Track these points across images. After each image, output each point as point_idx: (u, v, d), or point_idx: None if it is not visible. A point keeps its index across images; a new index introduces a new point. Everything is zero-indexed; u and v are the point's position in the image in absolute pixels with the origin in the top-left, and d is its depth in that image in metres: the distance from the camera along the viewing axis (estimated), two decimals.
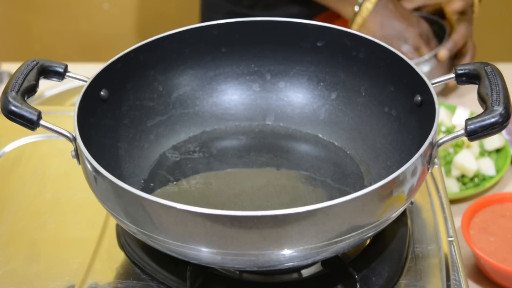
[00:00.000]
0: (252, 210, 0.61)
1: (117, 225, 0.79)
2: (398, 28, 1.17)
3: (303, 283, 0.73)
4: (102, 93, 0.78)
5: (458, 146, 1.06)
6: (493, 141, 1.08)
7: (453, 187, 1.03)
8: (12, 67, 1.30)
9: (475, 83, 0.72)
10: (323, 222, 0.61)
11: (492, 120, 0.66)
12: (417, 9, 1.27)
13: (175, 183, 0.81)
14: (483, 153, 1.08)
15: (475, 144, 1.07)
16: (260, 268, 0.68)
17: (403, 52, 1.16)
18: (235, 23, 0.86)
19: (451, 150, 1.07)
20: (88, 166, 0.67)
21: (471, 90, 1.25)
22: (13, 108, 0.68)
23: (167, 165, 0.83)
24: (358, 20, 1.17)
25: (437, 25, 1.25)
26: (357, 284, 0.69)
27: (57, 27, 2.05)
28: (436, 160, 0.69)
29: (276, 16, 0.87)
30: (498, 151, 1.09)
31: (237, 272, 0.73)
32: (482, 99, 0.69)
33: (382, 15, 1.17)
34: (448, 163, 1.05)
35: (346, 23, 1.25)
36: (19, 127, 0.70)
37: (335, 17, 1.30)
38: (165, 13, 2.03)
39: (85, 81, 0.76)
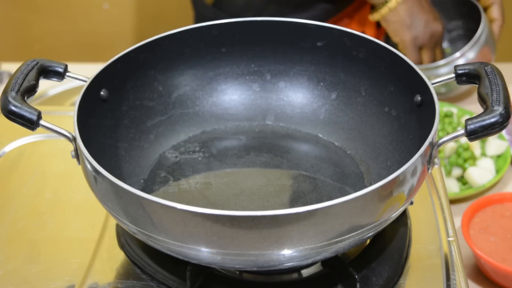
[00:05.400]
0: (252, 210, 0.61)
1: (117, 225, 0.79)
2: (424, 20, 1.18)
3: (303, 283, 0.73)
4: (102, 93, 0.78)
5: (472, 159, 1.05)
6: (498, 147, 1.08)
7: (453, 187, 1.03)
8: (12, 67, 1.30)
9: (475, 83, 0.72)
10: (323, 222, 0.61)
11: (492, 120, 0.66)
12: None
13: (175, 183, 0.81)
14: (484, 153, 1.08)
15: (489, 159, 1.07)
16: (260, 268, 0.68)
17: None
18: (235, 23, 0.86)
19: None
20: (88, 166, 0.67)
21: (470, 90, 1.25)
22: (13, 108, 0.68)
23: (167, 165, 0.83)
24: (384, 10, 1.18)
25: (470, 5, 1.25)
26: (357, 284, 0.69)
27: (57, 27, 2.05)
28: (436, 160, 0.69)
29: None
30: None
31: (237, 272, 0.73)
32: (482, 99, 0.69)
33: (412, 5, 1.17)
34: (450, 163, 1.05)
35: (348, 26, 1.25)
36: (19, 127, 0.70)
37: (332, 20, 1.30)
38: (165, 13, 2.03)
39: (85, 81, 0.76)
